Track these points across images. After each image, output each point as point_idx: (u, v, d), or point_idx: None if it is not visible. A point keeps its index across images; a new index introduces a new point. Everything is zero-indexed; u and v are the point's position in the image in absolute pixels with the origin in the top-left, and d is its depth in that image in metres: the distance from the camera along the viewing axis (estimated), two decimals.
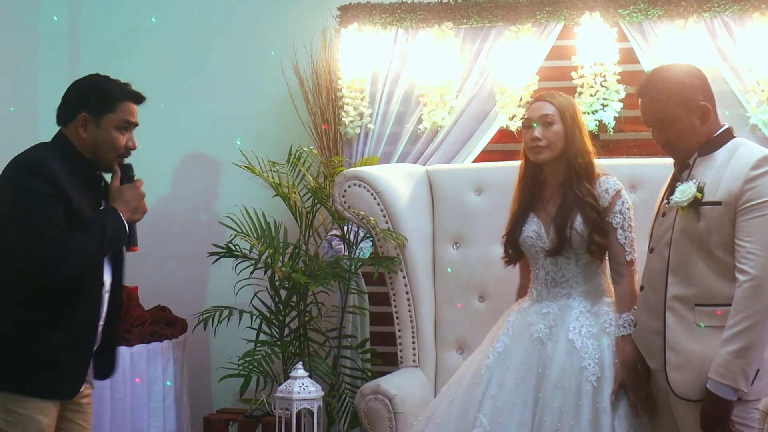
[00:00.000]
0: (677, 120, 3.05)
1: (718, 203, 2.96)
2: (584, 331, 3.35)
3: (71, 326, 3.02)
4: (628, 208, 3.41)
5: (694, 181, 3.01)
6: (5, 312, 3.01)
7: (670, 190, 3.11)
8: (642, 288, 3.18)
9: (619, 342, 3.31)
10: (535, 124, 3.44)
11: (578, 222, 3.39)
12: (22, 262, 2.93)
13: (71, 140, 3.09)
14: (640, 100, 3.14)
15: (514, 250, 3.56)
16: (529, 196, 3.53)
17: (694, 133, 3.06)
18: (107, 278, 3.15)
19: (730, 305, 2.91)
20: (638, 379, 3.26)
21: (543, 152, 3.43)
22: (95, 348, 3.14)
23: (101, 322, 3.14)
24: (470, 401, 3.42)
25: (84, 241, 2.94)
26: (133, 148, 3.15)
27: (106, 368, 3.23)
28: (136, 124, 3.16)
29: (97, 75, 3.17)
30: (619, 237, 3.38)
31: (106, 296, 3.15)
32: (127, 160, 3.18)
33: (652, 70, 3.25)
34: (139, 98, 3.16)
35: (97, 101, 3.09)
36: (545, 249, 3.45)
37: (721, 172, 2.99)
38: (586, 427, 3.22)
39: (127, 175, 3.15)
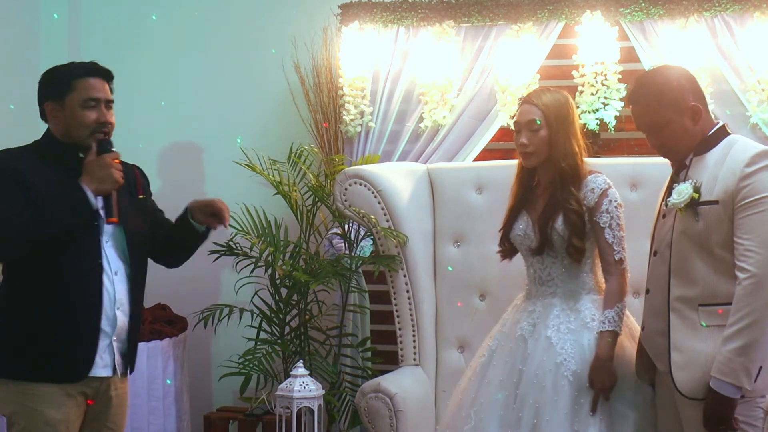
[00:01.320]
0: (669, 123, 3.04)
1: (716, 202, 2.96)
2: (563, 327, 3.35)
3: (61, 308, 3.00)
4: (616, 207, 3.38)
5: (690, 181, 3.01)
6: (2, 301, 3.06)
7: (669, 191, 3.10)
8: (648, 291, 3.17)
9: (598, 338, 3.31)
10: (538, 121, 3.42)
11: (559, 223, 3.38)
12: None
13: (52, 131, 3.12)
14: (630, 106, 3.14)
15: (509, 244, 3.57)
16: (523, 193, 3.54)
17: (688, 134, 3.06)
18: (117, 263, 3.11)
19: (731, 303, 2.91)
20: (607, 376, 3.25)
21: (530, 158, 3.43)
22: (117, 336, 3.10)
23: (118, 308, 3.09)
24: (464, 398, 3.47)
25: (24, 220, 2.92)
26: (107, 123, 3.08)
27: (131, 361, 3.23)
28: (108, 100, 3.11)
29: (56, 65, 3.17)
30: (607, 236, 3.36)
31: (118, 281, 3.10)
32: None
33: (639, 75, 3.23)
34: (98, 72, 3.11)
35: (55, 86, 3.11)
36: (531, 247, 3.46)
37: (717, 171, 2.99)
38: (562, 422, 3.22)
39: (104, 149, 3.05)
